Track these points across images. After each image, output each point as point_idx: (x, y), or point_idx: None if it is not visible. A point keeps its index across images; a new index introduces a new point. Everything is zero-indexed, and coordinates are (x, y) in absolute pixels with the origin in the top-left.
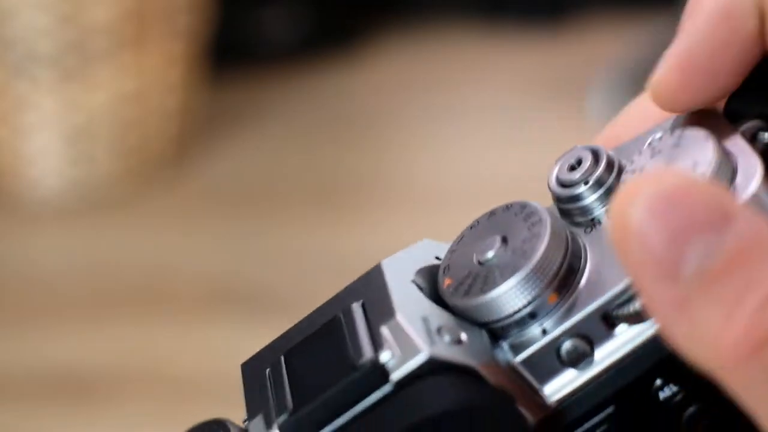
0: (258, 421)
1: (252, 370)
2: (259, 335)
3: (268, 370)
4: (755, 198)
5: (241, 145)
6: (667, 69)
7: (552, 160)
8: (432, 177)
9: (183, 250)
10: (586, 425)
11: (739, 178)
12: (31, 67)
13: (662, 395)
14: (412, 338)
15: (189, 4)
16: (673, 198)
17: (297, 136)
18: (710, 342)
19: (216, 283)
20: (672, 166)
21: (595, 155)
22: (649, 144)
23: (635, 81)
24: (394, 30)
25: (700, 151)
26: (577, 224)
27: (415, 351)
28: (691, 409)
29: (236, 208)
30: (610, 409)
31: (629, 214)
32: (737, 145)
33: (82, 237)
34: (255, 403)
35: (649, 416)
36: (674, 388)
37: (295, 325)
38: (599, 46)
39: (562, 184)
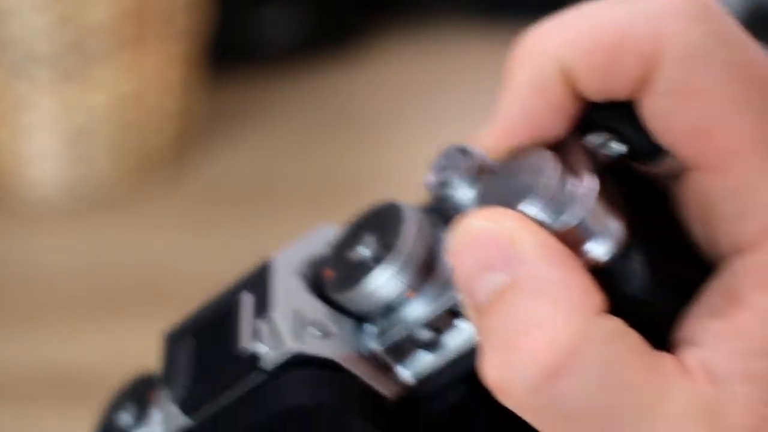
0: (167, 391)
1: (170, 342)
2: None
3: (181, 344)
4: (578, 227)
5: (241, 145)
6: (493, 138)
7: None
8: None
9: (183, 250)
10: (444, 402)
11: (572, 202)
12: (30, 67)
13: None
14: (281, 333)
15: (188, 4)
16: (475, 239)
17: (297, 136)
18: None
19: (216, 283)
20: (495, 207)
21: (465, 155)
22: (510, 159)
23: None
24: (394, 30)
25: (539, 174)
26: (449, 221)
27: (283, 345)
28: None
29: (236, 208)
30: (463, 389)
31: (451, 244)
32: (580, 161)
33: (81, 237)
34: (168, 374)
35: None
36: None
37: (209, 301)
38: None
39: (435, 183)
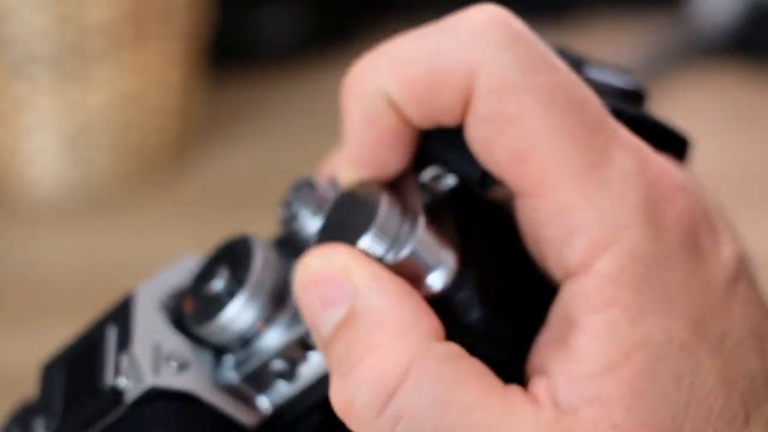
0: (41, 422)
1: (47, 371)
2: None
3: (55, 375)
4: (408, 260)
5: (240, 145)
6: (343, 170)
7: None
8: None
9: (183, 250)
10: (301, 429)
11: (404, 237)
12: (30, 67)
13: None
14: (141, 367)
15: (188, 4)
16: (313, 278)
17: (297, 136)
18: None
19: None
20: (331, 244)
21: (311, 188)
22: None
23: None
24: (394, 30)
25: (373, 210)
26: (301, 252)
27: (141, 380)
28: None
29: (236, 208)
30: (318, 416)
31: (295, 286)
32: (413, 196)
33: (81, 237)
34: (43, 404)
35: None
36: None
37: (82, 332)
38: (599, 47)
39: (285, 215)
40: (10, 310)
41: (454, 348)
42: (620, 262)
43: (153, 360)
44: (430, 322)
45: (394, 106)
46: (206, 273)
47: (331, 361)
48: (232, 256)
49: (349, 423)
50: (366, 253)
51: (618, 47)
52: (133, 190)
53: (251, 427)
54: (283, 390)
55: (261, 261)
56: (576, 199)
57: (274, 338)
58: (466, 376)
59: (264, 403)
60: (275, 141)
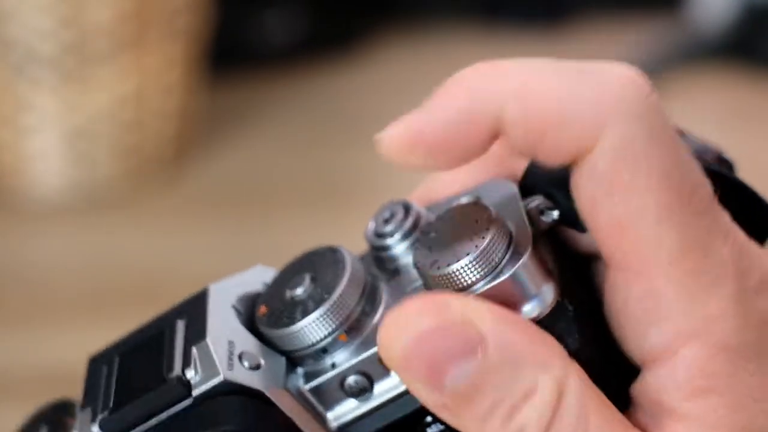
0: (87, 412)
1: (95, 365)
2: None
3: (105, 367)
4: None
5: (240, 146)
6: (400, 131)
7: None
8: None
9: (183, 250)
10: None
11: (507, 264)
12: (32, 68)
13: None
14: (214, 360)
15: (188, 5)
16: (429, 338)
17: (296, 137)
18: None
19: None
20: (430, 296)
21: (406, 210)
22: (446, 213)
23: None
24: (393, 31)
25: (477, 234)
26: (385, 272)
27: (214, 373)
28: None
29: (236, 208)
30: None
31: (394, 349)
32: (519, 224)
33: (82, 237)
34: (89, 396)
35: None
36: (441, 427)
37: (142, 327)
38: (598, 48)
39: (376, 234)
40: (10, 310)
41: (578, 367)
42: (710, 351)
43: (226, 355)
44: (554, 342)
45: (499, 120)
46: (287, 278)
47: (472, 417)
48: (318, 265)
49: None
50: (465, 274)
51: (618, 47)
52: (133, 189)
53: None
54: (351, 408)
55: (349, 274)
56: (667, 285)
57: (349, 354)
58: (601, 399)
59: (329, 417)
60: (274, 141)
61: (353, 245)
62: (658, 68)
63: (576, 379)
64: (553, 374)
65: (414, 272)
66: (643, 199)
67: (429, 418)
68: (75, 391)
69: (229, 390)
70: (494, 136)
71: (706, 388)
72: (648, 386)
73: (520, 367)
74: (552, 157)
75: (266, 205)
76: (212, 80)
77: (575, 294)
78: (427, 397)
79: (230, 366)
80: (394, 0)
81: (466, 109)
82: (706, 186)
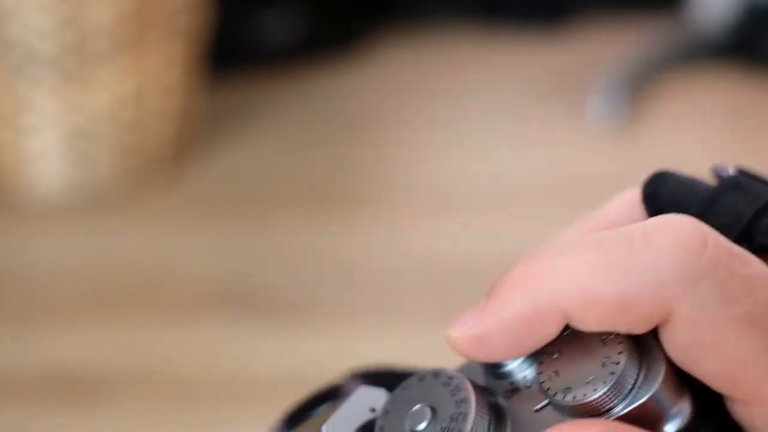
0: None
1: None
2: (259, 335)
3: None
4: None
5: (240, 146)
6: (465, 334)
7: (551, 160)
8: (431, 177)
9: (183, 250)
10: None
11: (644, 386)
12: (32, 68)
13: None
14: None
15: (188, 5)
16: None
17: (296, 137)
18: None
19: (216, 283)
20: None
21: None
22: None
23: (634, 82)
24: (393, 31)
25: (610, 358)
26: (501, 385)
27: None
28: None
29: (235, 208)
30: None
31: None
32: (649, 345)
33: (82, 237)
34: None
35: None
36: None
37: None
38: (598, 48)
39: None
40: (10, 310)
41: None
42: None
43: None
44: None
45: (567, 317)
46: (402, 410)
47: None
48: (431, 394)
49: None
50: (604, 401)
51: (618, 47)
52: (133, 189)
53: None
54: None
55: (475, 406)
56: None
57: None
58: None
59: None
60: (274, 141)
61: (356, 243)
62: (658, 68)
63: None
64: None
65: (533, 387)
66: (734, 350)
67: None
68: (75, 390)
69: None
70: (562, 327)
71: None
72: None
73: None
74: (629, 331)
75: (266, 205)
76: (212, 80)
77: (708, 413)
78: None
79: None
80: (394, 0)
81: (531, 314)
82: None
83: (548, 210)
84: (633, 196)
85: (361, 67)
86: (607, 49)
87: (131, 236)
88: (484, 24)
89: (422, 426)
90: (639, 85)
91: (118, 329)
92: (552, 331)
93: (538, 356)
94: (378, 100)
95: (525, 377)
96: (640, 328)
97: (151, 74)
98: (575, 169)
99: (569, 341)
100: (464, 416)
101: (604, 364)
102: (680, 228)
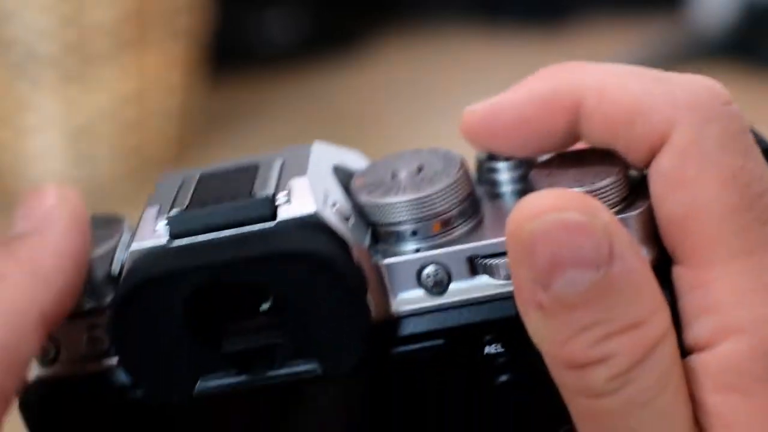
0: (153, 209)
1: (167, 178)
2: None
3: (181, 180)
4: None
5: (240, 146)
6: (482, 107)
7: None
8: None
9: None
10: (414, 347)
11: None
12: (33, 68)
13: (487, 350)
14: (309, 195)
15: (189, 5)
16: (568, 231)
17: (296, 137)
18: (545, 347)
19: None
20: (587, 195)
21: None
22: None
23: None
24: (394, 31)
25: (601, 173)
26: (488, 192)
27: (307, 205)
28: (505, 377)
29: None
30: (439, 341)
31: (526, 224)
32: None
33: None
34: (156, 198)
35: (468, 364)
36: (500, 349)
37: (223, 162)
38: (599, 47)
39: (488, 156)
40: None
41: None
42: (751, 352)
43: (322, 197)
44: (663, 295)
45: (577, 111)
46: (391, 163)
47: (567, 324)
48: (429, 158)
49: (579, 380)
50: (608, 193)
51: (618, 47)
52: (133, 189)
53: (373, 320)
54: (418, 299)
55: (462, 173)
56: (722, 279)
57: (437, 245)
58: (681, 369)
59: (394, 303)
60: (275, 141)
61: None
62: (659, 67)
63: (673, 338)
64: (661, 318)
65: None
66: (705, 194)
67: (489, 336)
68: None
69: (316, 226)
70: (570, 126)
71: (734, 386)
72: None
73: (635, 300)
74: (625, 152)
75: None
76: (213, 80)
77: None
78: (524, 288)
79: (323, 207)
80: (394, 0)
81: (548, 94)
82: None
83: None
84: None
85: (361, 67)
86: (607, 49)
87: None
88: (484, 24)
89: (403, 172)
90: None
91: None
92: (559, 123)
93: (530, 172)
94: (378, 99)
95: (513, 179)
96: (636, 152)
97: (152, 74)
98: None
99: (563, 162)
100: (449, 172)
101: (595, 174)
102: (712, 81)
